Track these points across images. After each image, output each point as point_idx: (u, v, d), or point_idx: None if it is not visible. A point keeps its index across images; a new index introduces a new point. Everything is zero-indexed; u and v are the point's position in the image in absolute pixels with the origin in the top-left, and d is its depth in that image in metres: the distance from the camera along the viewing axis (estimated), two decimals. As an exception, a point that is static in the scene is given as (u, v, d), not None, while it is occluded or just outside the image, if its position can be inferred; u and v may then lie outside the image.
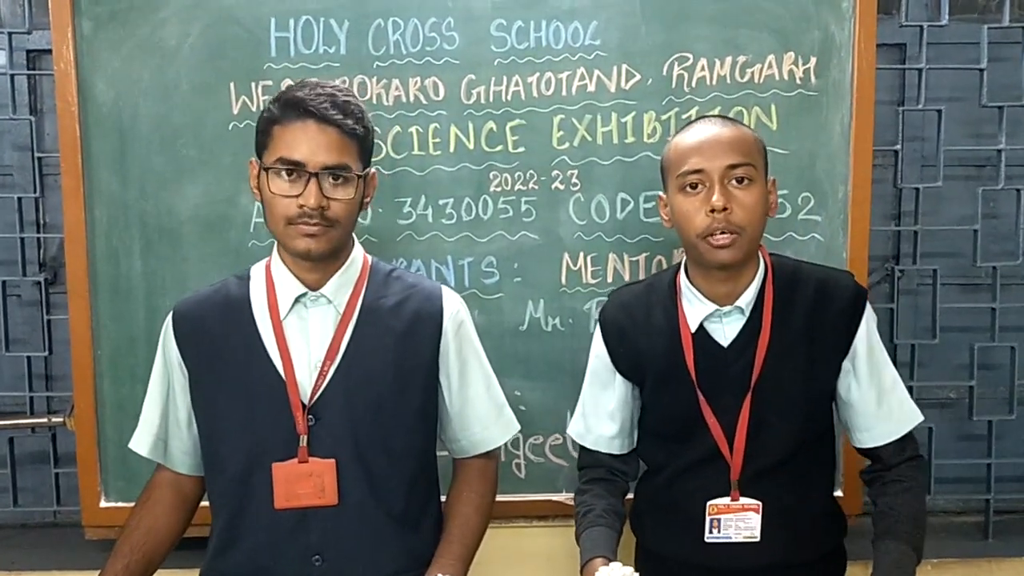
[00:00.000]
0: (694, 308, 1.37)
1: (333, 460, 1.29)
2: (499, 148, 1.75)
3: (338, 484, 1.29)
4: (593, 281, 1.78)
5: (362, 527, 1.31)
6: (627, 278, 1.77)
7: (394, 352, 1.33)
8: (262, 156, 1.29)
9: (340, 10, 1.72)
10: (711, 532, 1.35)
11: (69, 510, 1.98)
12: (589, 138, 1.75)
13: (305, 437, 1.29)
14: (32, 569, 1.87)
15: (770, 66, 1.74)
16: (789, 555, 1.35)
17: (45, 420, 1.94)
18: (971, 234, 1.94)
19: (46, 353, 1.95)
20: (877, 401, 1.36)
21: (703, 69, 1.74)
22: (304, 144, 1.24)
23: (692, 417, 1.35)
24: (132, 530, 1.35)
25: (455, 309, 1.39)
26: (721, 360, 1.35)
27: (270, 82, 1.72)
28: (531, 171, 1.76)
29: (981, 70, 1.91)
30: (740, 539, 1.34)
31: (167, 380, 1.39)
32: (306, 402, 1.30)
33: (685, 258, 1.40)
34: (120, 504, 1.78)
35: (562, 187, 1.76)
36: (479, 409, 1.42)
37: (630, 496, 1.50)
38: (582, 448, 1.50)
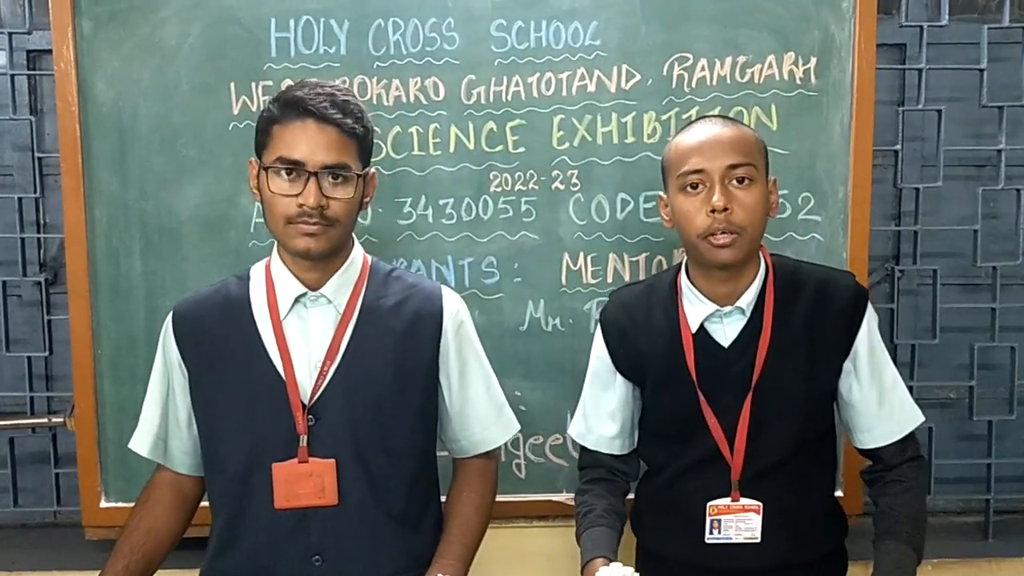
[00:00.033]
0: (695, 308, 1.36)
1: (333, 460, 1.29)
2: (499, 148, 1.75)
3: (338, 484, 1.29)
4: (593, 281, 1.78)
5: (362, 527, 1.31)
6: (627, 278, 1.77)
7: (394, 352, 1.33)
8: (261, 156, 1.29)
9: (340, 10, 1.72)
10: (711, 533, 1.35)
11: (69, 510, 1.98)
12: (589, 138, 1.75)
13: (305, 437, 1.29)
14: (32, 569, 1.87)
15: (770, 66, 1.74)
16: (790, 556, 1.35)
17: (45, 420, 1.94)
18: (971, 234, 1.94)
19: (46, 353, 1.95)
20: (878, 401, 1.36)
21: (703, 69, 1.74)
22: (304, 143, 1.24)
23: (692, 417, 1.35)
24: (132, 530, 1.35)
25: (455, 309, 1.39)
26: (722, 360, 1.35)
27: (270, 82, 1.72)
28: (531, 171, 1.76)
29: (981, 70, 1.91)
30: (741, 540, 1.34)
31: (167, 380, 1.39)
32: (306, 402, 1.30)
33: (686, 258, 1.40)
34: (120, 504, 1.78)
35: (562, 187, 1.76)
36: (479, 409, 1.42)
37: (631, 496, 1.50)
38: (583, 448, 1.50)
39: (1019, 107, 1.93)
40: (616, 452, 1.47)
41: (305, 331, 1.33)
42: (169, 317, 1.38)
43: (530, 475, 1.81)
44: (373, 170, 1.36)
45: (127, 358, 1.77)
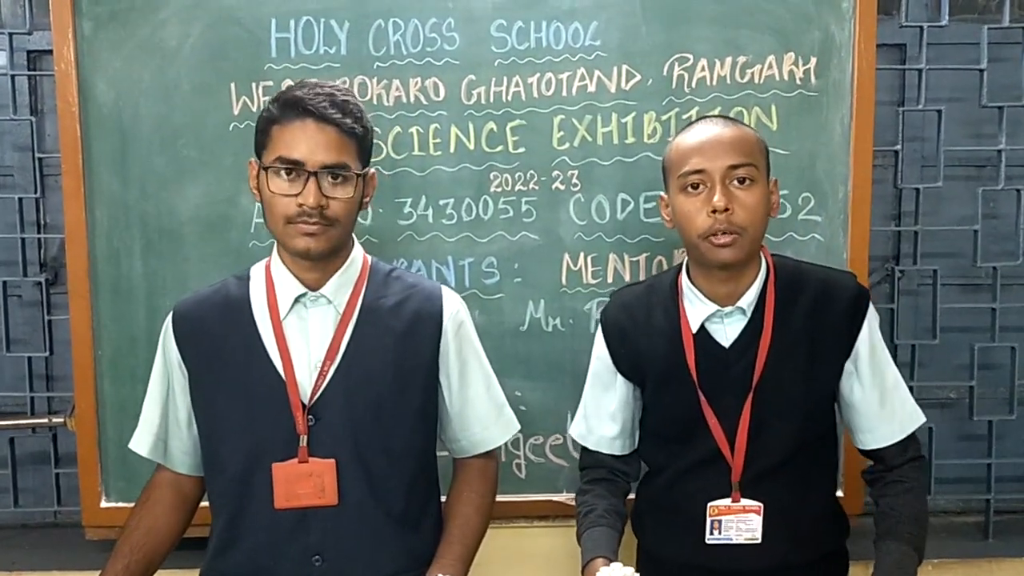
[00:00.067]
0: (695, 308, 1.36)
1: (333, 460, 1.29)
2: (499, 148, 1.75)
3: (338, 484, 1.29)
4: (593, 281, 1.78)
5: (362, 527, 1.31)
6: (627, 278, 1.77)
7: (394, 352, 1.33)
8: (261, 156, 1.29)
9: (341, 11, 1.73)
10: (712, 533, 1.35)
11: (70, 510, 1.98)
12: (589, 138, 1.75)
13: (305, 437, 1.29)
14: (33, 569, 1.87)
15: (770, 66, 1.74)
16: (790, 556, 1.34)
17: (46, 420, 1.94)
18: (971, 234, 1.94)
19: (47, 353, 1.95)
20: (880, 402, 1.36)
21: (703, 69, 1.74)
22: (303, 143, 1.24)
23: (693, 418, 1.35)
24: (132, 530, 1.35)
25: (455, 309, 1.39)
26: (722, 361, 1.34)
27: (271, 82, 1.73)
28: (531, 171, 1.76)
29: (981, 70, 1.91)
30: (741, 540, 1.34)
31: (167, 380, 1.39)
32: (306, 402, 1.30)
33: (686, 259, 1.40)
34: (121, 504, 1.78)
35: (562, 187, 1.76)
36: (479, 409, 1.42)
37: (631, 496, 1.50)
38: (584, 449, 1.50)
39: (1019, 107, 1.93)
40: (617, 453, 1.47)
41: (305, 331, 1.33)
42: (169, 317, 1.38)
43: (530, 475, 1.81)
44: (373, 170, 1.36)
45: (127, 358, 1.77)
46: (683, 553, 1.38)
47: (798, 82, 1.74)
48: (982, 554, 1.93)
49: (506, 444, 1.70)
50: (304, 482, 1.28)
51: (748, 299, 1.34)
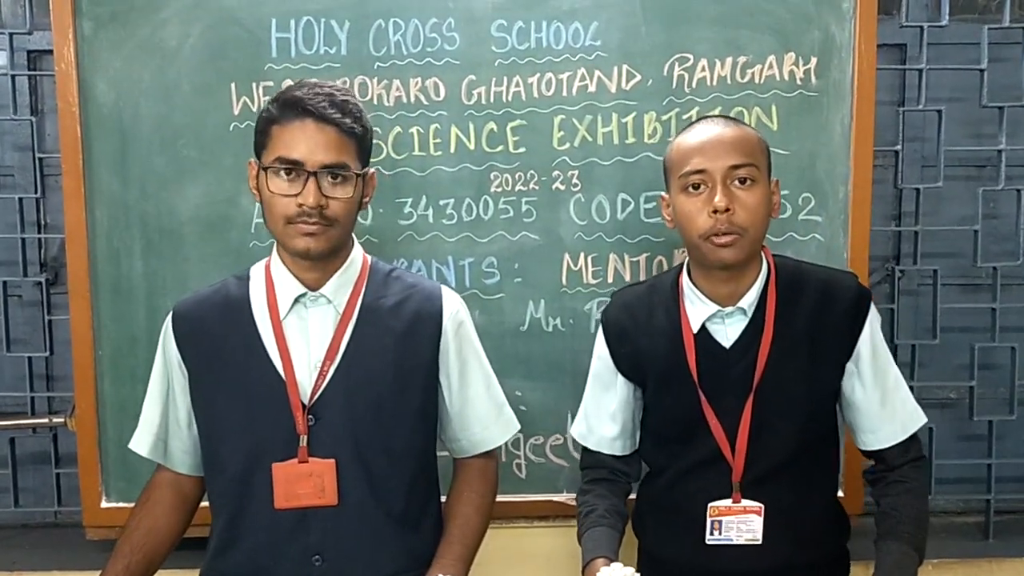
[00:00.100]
0: (696, 309, 1.36)
1: (333, 460, 1.29)
2: (500, 148, 1.75)
3: (338, 484, 1.29)
4: (594, 281, 1.78)
5: (362, 527, 1.31)
6: (628, 278, 1.77)
7: (394, 352, 1.33)
8: (261, 156, 1.29)
9: (341, 11, 1.73)
10: (712, 534, 1.34)
11: (70, 510, 1.98)
12: (590, 138, 1.75)
13: (305, 437, 1.29)
14: (33, 569, 1.87)
15: (771, 67, 1.74)
16: (792, 558, 1.34)
17: (46, 420, 1.94)
18: (971, 234, 1.94)
19: (47, 353, 1.95)
20: (881, 402, 1.36)
21: (704, 70, 1.74)
22: (303, 143, 1.24)
23: (694, 418, 1.35)
24: (132, 530, 1.35)
25: (455, 309, 1.40)
26: (723, 361, 1.34)
27: (271, 83, 1.72)
28: (532, 171, 1.76)
29: (981, 70, 1.91)
30: (742, 541, 1.34)
31: (167, 380, 1.39)
32: (306, 402, 1.30)
33: (687, 259, 1.40)
34: (121, 504, 1.78)
35: (563, 187, 1.76)
36: (479, 409, 1.42)
37: (632, 496, 1.50)
38: (584, 449, 1.50)
39: (1019, 107, 1.93)
40: (617, 453, 1.47)
41: (305, 331, 1.33)
42: (169, 317, 1.38)
43: (531, 475, 1.81)
44: (372, 170, 1.36)
45: (128, 358, 1.77)
46: (684, 554, 1.38)
47: (798, 82, 1.74)
48: (982, 554, 1.93)
49: (506, 444, 1.70)
50: (304, 482, 1.28)
51: (749, 299, 1.34)
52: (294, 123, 1.25)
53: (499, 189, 1.76)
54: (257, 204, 1.32)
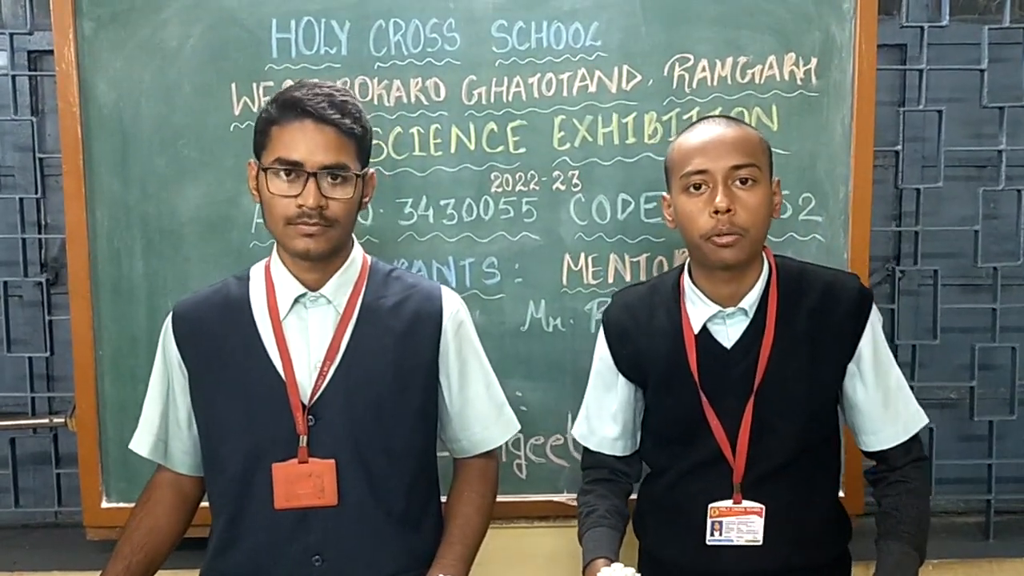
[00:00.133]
0: (697, 309, 1.36)
1: (333, 460, 1.29)
2: (500, 149, 1.75)
3: (338, 484, 1.29)
4: (594, 282, 1.78)
5: (362, 527, 1.31)
6: (628, 279, 1.77)
7: (394, 352, 1.33)
8: (260, 157, 1.29)
9: (341, 11, 1.73)
10: (712, 535, 1.34)
11: (70, 511, 1.98)
12: (590, 139, 1.75)
13: (305, 437, 1.29)
14: (34, 570, 1.87)
15: (771, 67, 1.74)
16: (793, 559, 1.34)
17: (46, 421, 1.94)
18: (972, 235, 1.94)
19: (47, 354, 1.96)
20: (883, 403, 1.35)
21: (704, 70, 1.74)
22: (302, 144, 1.24)
23: (695, 419, 1.34)
24: (133, 531, 1.35)
25: (455, 309, 1.40)
26: (724, 362, 1.34)
27: (271, 83, 1.72)
28: (532, 172, 1.76)
29: (982, 71, 1.91)
30: (742, 542, 1.33)
31: (167, 380, 1.39)
32: (306, 402, 1.30)
33: (689, 259, 1.40)
34: (121, 505, 1.78)
35: (563, 188, 1.76)
36: (479, 409, 1.42)
37: (633, 497, 1.50)
38: (585, 450, 1.50)
39: (1020, 107, 1.93)
40: (618, 453, 1.47)
41: (305, 331, 1.33)
42: (169, 317, 1.38)
43: (531, 475, 1.81)
44: (372, 170, 1.36)
45: (128, 358, 1.77)
46: (684, 555, 1.37)
47: (799, 82, 1.74)
48: (983, 554, 1.93)
49: (507, 444, 1.70)
50: (304, 482, 1.28)
51: (750, 300, 1.33)
52: (293, 124, 1.25)
53: (499, 189, 1.76)
54: (257, 204, 1.32)
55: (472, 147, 1.75)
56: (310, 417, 1.29)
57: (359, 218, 1.37)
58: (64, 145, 1.73)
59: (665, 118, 1.75)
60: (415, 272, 1.72)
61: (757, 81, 1.74)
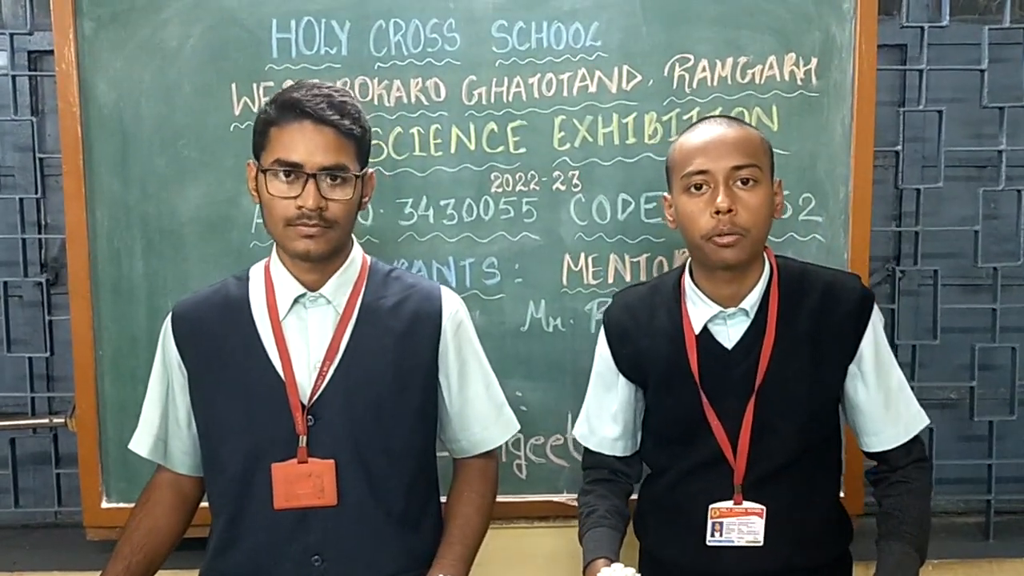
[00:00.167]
0: (698, 310, 1.36)
1: (332, 460, 1.29)
2: (500, 149, 1.75)
3: (337, 484, 1.29)
4: (594, 282, 1.78)
5: (362, 527, 1.31)
6: (628, 279, 1.77)
7: (393, 352, 1.33)
8: (259, 158, 1.29)
9: (341, 11, 1.73)
10: (713, 535, 1.34)
11: (70, 511, 1.98)
12: (590, 139, 1.75)
13: (304, 437, 1.29)
14: (34, 570, 1.87)
15: (771, 67, 1.74)
16: (793, 560, 1.34)
17: (46, 421, 1.94)
18: (972, 235, 1.94)
19: (47, 354, 1.96)
20: (885, 404, 1.35)
21: (704, 70, 1.74)
22: (301, 145, 1.24)
23: (695, 420, 1.34)
24: (132, 531, 1.35)
25: (454, 309, 1.39)
26: (725, 362, 1.34)
27: (272, 83, 1.72)
28: (532, 172, 1.76)
29: (982, 71, 1.91)
30: (743, 543, 1.33)
31: (166, 381, 1.39)
32: (305, 402, 1.30)
33: (690, 260, 1.40)
34: (121, 505, 1.78)
35: (563, 188, 1.76)
36: (479, 409, 1.42)
37: (634, 497, 1.50)
38: (586, 450, 1.50)
39: (1020, 108, 1.93)
40: (619, 454, 1.47)
41: (304, 331, 1.33)
42: (168, 318, 1.38)
43: (531, 476, 1.81)
44: (371, 170, 1.35)
45: (128, 359, 1.77)
46: (685, 555, 1.37)
47: (799, 83, 1.74)
48: (983, 554, 1.93)
49: (507, 444, 1.70)
50: (303, 482, 1.28)
51: (751, 300, 1.33)
52: (292, 125, 1.25)
53: (500, 189, 1.76)
54: (257, 205, 1.32)
55: (472, 147, 1.75)
56: (309, 417, 1.29)
57: (359, 218, 1.37)
58: (64, 145, 1.73)
59: (665, 118, 1.75)
60: (415, 272, 1.71)
61: (757, 81, 1.74)
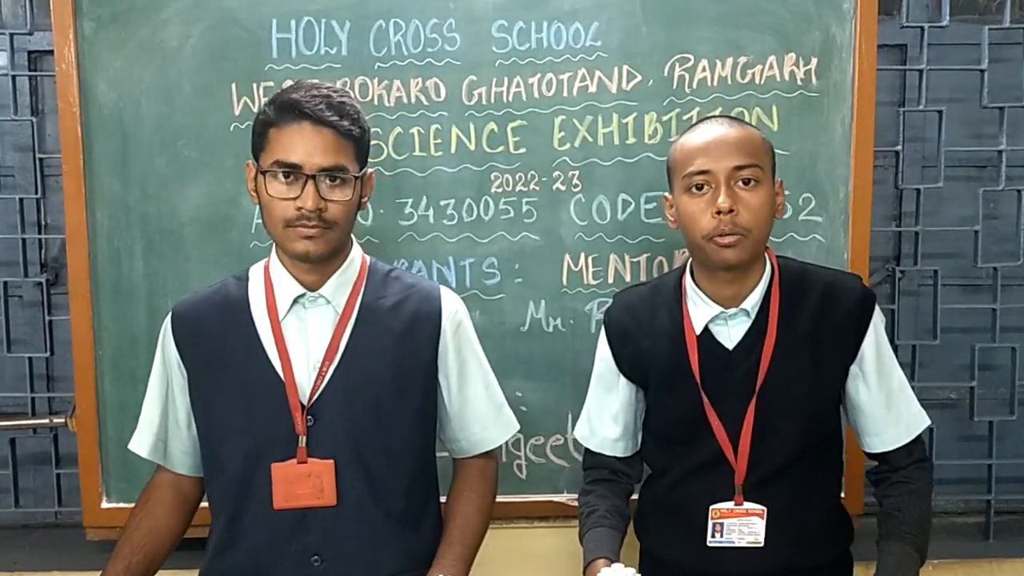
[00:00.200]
0: (699, 310, 1.36)
1: (332, 460, 1.29)
2: (500, 149, 1.75)
3: (337, 484, 1.29)
4: (594, 282, 1.78)
5: (361, 527, 1.31)
6: (628, 279, 1.77)
7: (393, 352, 1.33)
8: (259, 159, 1.29)
9: (341, 11, 1.72)
10: (713, 536, 1.34)
11: (70, 511, 1.98)
12: (590, 139, 1.75)
13: (304, 438, 1.29)
14: (34, 570, 1.87)
15: (771, 67, 1.74)
16: (794, 560, 1.33)
17: (47, 421, 1.94)
18: (972, 235, 1.94)
19: (47, 354, 1.95)
20: (886, 405, 1.35)
21: (704, 70, 1.74)
22: (300, 146, 1.24)
23: (696, 420, 1.34)
24: (132, 531, 1.35)
25: (453, 309, 1.39)
26: (726, 363, 1.34)
27: (272, 83, 1.72)
28: (532, 172, 1.75)
29: (982, 71, 1.91)
30: (743, 544, 1.33)
31: (166, 381, 1.39)
32: (305, 403, 1.30)
33: (691, 260, 1.40)
34: (121, 505, 1.78)
35: (563, 188, 1.76)
36: (478, 409, 1.42)
37: (634, 497, 1.50)
38: (587, 450, 1.50)
39: (1020, 108, 1.93)
40: (620, 454, 1.46)
41: (304, 332, 1.33)
42: (168, 318, 1.38)
43: (531, 476, 1.81)
44: (371, 171, 1.35)
45: (128, 359, 1.77)
46: (685, 556, 1.37)
47: (799, 83, 1.74)
48: (983, 555, 1.93)
49: (507, 444, 1.70)
50: (303, 482, 1.28)
51: (752, 301, 1.33)
52: (291, 126, 1.25)
53: (500, 189, 1.76)
54: (257, 205, 1.32)
55: (472, 147, 1.75)
56: (309, 417, 1.29)
57: (359, 218, 1.37)
58: (64, 145, 1.73)
59: (665, 118, 1.74)
60: (415, 272, 1.71)
61: (757, 81, 1.74)
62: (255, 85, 1.73)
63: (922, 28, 1.89)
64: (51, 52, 1.80)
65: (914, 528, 1.30)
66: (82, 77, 1.72)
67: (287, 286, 1.32)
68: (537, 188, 1.76)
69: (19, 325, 1.99)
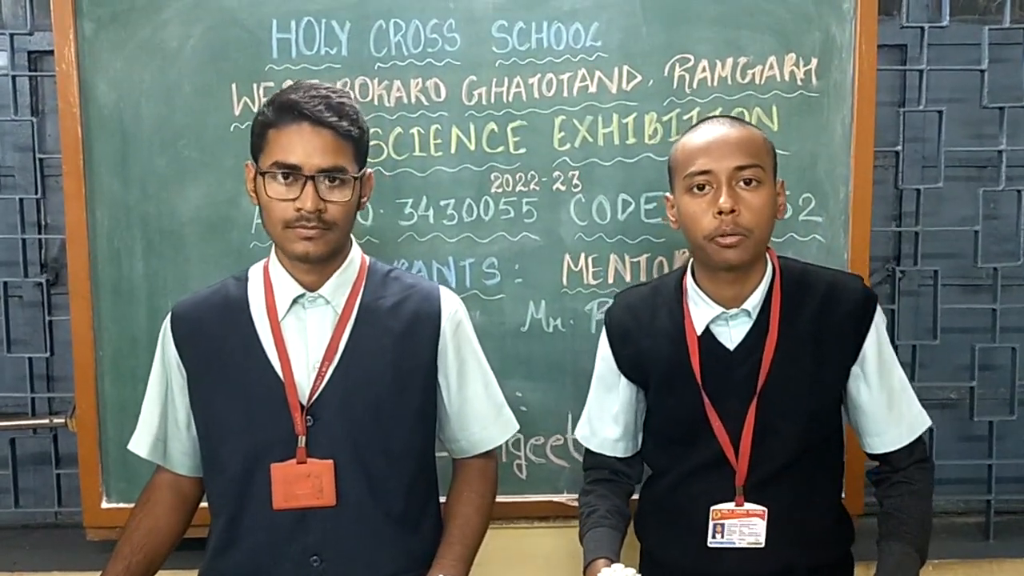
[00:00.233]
0: (700, 310, 1.36)
1: (331, 461, 1.29)
2: (500, 149, 1.75)
3: (336, 485, 1.29)
4: (594, 282, 1.78)
5: (361, 528, 1.31)
6: (628, 279, 1.77)
7: (392, 352, 1.33)
8: (258, 159, 1.29)
9: (341, 11, 1.72)
10: (714, 537, 1.34)
11: (70, 511, 1.98)
12: (590, 139, 1.75)
13: (303, 438, 1.29)
14: (34, 570, 1.87)
15: (771, 67, 1.74)
16: (795, 561, 1.33)
17: (47, 421, 1.94)
18: (972, 235, 1.94)
19: (47, 354, 1.96)
20: (888, 405, 1.35)
21: (704, 70, 1.74)
22: (299, 147, 1.24)
23: (697, 421, 1.34)
24: (132, 531, 1.35)
25: (453, 309, 1.39)
26: (727, 363, 1.34)
27: (272, 83, 1.72)
28: (532, 172, 1.76)
29: (982, 71, 1.91)
30: (744, 544, 1.33)
31: (166, 381, 1.39)
32: (304, 403, 1.29)
33: (692, 260, 1.39)
34: (121, 505, 1.78)
35: (563, 188, 1.76)
36: (478, 409, 1.42)
37: (635, 498, 1.49)
38: (587, 450, 1.50)
39: (1020, 108, 1.93)
40: (620, 455, 1.46)
41: (303, 332, 1.32)
42: (168, 318, 1.38)
43: (531, 476, 1.81)
44: (370, 171, 1.35)
45: (128, 359, 1.77)
46: (686, 556, 1.37)
47: (799, 83, 1.74)
48: (983, 555, 1.93)
49: (507, 445, 1.71)
50: (302, 483, 1.28)
51: (754, 301, 1.33)
52: (290, 127, 1.24)
53: (500, 190, 1.76)
54: (257, 205, 1.32)
55: (472, 147, 1.75)
56: (308, 417, 1.29)
57: (359, 218, 1.37)
58: (64, 145, 1.73)
59: (665, 118, 1.74)
60: (415, 272, 1.71)
61: (757, 81, 1.74)
62: (255, 85, 1.73)
63: (922, 28, 1.89)
64: (51, 52, 1.80)
65: (915, 528, 1.30)
66: (82, 77, 1.72)
67: (286, 286, 1.32)
68: (537, 188, 1.76)
69: (19, 325, 1.99)
